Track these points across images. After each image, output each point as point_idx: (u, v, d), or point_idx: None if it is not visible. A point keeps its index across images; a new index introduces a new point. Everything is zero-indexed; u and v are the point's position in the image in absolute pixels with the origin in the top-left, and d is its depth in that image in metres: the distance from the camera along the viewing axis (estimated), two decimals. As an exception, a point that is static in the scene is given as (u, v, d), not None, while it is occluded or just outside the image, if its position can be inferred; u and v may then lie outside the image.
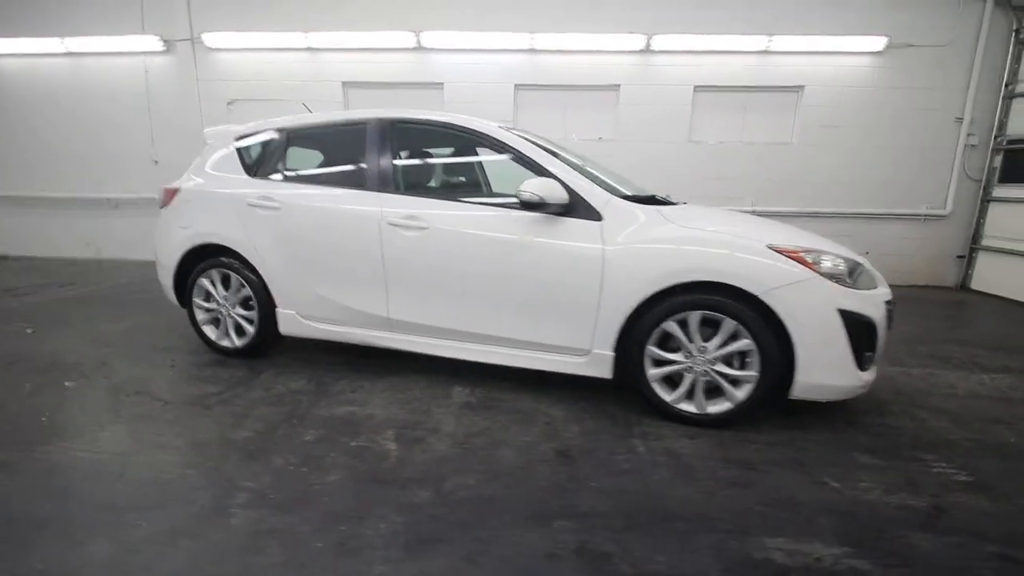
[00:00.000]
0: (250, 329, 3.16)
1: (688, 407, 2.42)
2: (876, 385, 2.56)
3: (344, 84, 6.28)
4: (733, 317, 2.26)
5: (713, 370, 2.34)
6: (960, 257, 6.19)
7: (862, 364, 2.29)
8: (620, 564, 1.53)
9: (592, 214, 2.45)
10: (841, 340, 2.22)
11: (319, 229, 2.88)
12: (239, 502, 1.81)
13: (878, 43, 5.64)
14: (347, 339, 2.98)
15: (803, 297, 2.20)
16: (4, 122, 6.81)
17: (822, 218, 6.05)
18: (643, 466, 2.09)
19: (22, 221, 7.08)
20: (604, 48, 5.94)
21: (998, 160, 5.80)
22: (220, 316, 3.23)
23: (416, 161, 3.15)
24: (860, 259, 2.44)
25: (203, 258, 3.20)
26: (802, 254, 2.25)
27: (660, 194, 2.97)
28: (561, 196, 2.42)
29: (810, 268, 2.22)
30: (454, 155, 3.28)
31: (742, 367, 2.34)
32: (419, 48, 6.05)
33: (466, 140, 2.88)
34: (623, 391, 2.74)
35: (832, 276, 2.24)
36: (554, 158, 2.61)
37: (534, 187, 2.39)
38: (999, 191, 5.80)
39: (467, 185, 3.39)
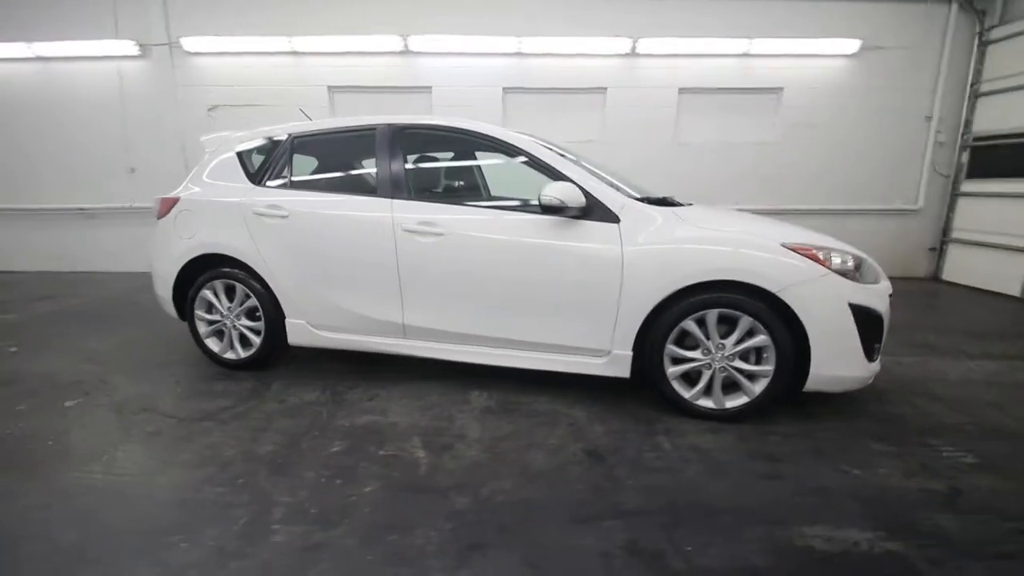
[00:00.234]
0: (256, 340, 3.10)
1: (706, 403, 2.49)
2: (873, 374, 2.67)
3: (330, 88, 6.18)
4: (750, 314, 2.34)
5: (731, 366, 2.41)
6: (932, 249, 6.50)
7: (871, 355, 2.40)
8: (673, 560, 1.57)
9: (609, 216, 2.49)
10: (852, 333, 2.32)
11: (330, 237, 2.84)
12: (278, 518, 1.78)
13: (852, 45, 5.88)
14: (359, 347, 2.95)
15: (817, 293, 2.29)
16: (-36, 131, 6.46)
17: (802, 214, 6.24)
18: (674, 462, 2.14)
19: (-15, 234, 6.72)
20: (591, 51, 6.02)
21: (965, 156, 6.11)
22: (224, 328, 3.15)
23: (429, 166, 3.13)
24: (863, 254, 2.55)
25: (204, 269, 3.12)
26: (814, 251, 2.34)
27: (670, 196, 3.03)
28: (579, 200, 2.45)
29: (822, 265, 2.31)
30: (466, 160, 3.28)
31: (758, 362, 2.42)
32: (406, 52, 6.01)
33: (478, 145, 2.89)
34: (638, 389, 2.79)
35: (842, 272, 2.34)
36: (568, 162, 2.64)
37: (556, 191, 2.41)
38: (967, 186, 6.12)
39: (480, 190, 3.40)
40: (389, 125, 2.88)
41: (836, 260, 2.36)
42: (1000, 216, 5.65)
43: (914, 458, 2.19)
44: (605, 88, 6.18)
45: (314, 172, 3.15)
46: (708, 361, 2.44)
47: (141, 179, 6.40)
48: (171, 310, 3.28)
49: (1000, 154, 5.71)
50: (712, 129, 6.33)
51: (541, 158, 2.63)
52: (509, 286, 2.61)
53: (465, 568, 1.54)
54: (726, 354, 2.40)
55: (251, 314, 3.09)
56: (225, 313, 3.12)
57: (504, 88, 6.18)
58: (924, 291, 5.89)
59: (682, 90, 6.18)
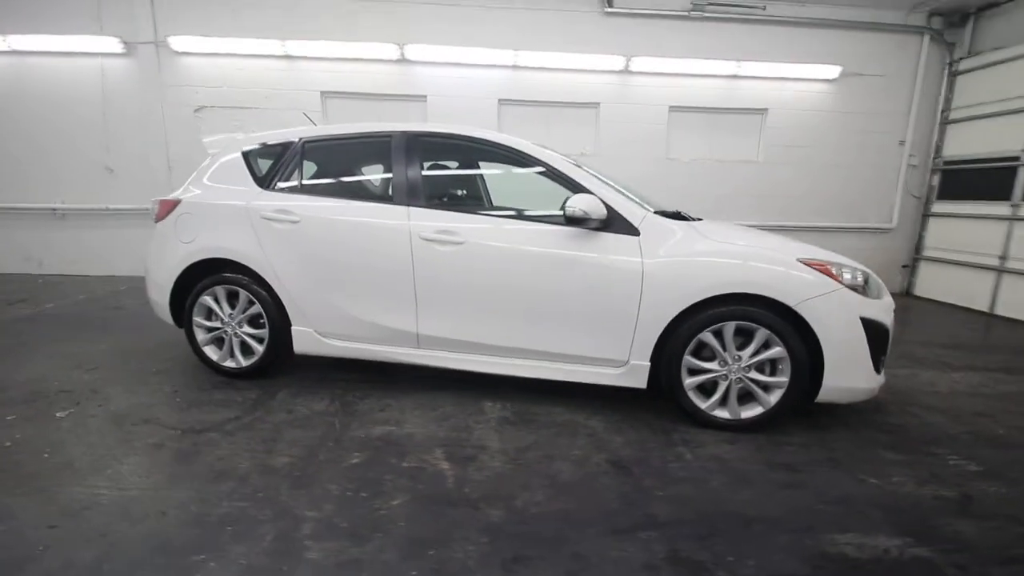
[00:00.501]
0: (258, 348, 3.00)
1: (722, 413, 2.53)
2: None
3: (323, 93, 6.10)
4: (766, 327, 2.40)
5: (747, 377, 2.46)
6: (905, 266, 6.81)
7: (878, 367, 2.49)
8: (716, 570, 1.58)
9: (630, 229, 2.53)
10: (863, 346, 2.40)
11: (343, 244, 2.78)
12: (307, 533, 1.72)
13: (833, 71, 6.16)
14: (369, 356, 2.89)
15: (831, 307, 2.36)
16: (-73, 124, 6.11)
17: (785, 231, 6.47)
18: (697, 472, 2.16)
19: (-54, 234, 6.34)
20: (585, 67, 6.13)
21: (936, 179, 6.46)
22: (224, 335, 3.04)
23: (445, 175, 3.12)
24: (869, 270, 2.65)
25: (204, 274, 3.01)
26: (828, 266, 2.42)
27: (682, 210, 3.09)
28: (601, 212, 2.48)
29: (836, 280, 2.40)
30: (484, 170, 3.28)
31: (772, 373, 2.48)
32: (403, 60, 6.00)
33: (495, 155, 2.89)
34: (649, 400, 2.81)
35: (853, 287, 2.43)
36: (588, 174, 2.68)
37: (580, 203, 2.44)
38: (937, 207, 6.45)
39: (494, 200, 3.40)
40: (405, 132, 2.86)
41: (847, 275, 2.45)
42: (968, 236, 5.97)
43: (923, 466, 2.27)
44: (598, 103, 6.29)
45: (326, 177, 3.09)
46: (725, 372, 2.48)
47: (122, 180, 6.15)
48: (167, 316, 3.15)
49: (968, 178, 6.05)
50: (701, 146, 6.51)
51: (562, 170, 2.66)
52: (529, 296, 2.61)
53: (512, 582, 1.52)
54: (743, 365, 2.45)
55: (254, 321, 3.00)
56: (226, 320, 3.01)
57: (500, 99, 6.22)
58: (899, 306, 6.10)
59: (672, 108, 6.34)
